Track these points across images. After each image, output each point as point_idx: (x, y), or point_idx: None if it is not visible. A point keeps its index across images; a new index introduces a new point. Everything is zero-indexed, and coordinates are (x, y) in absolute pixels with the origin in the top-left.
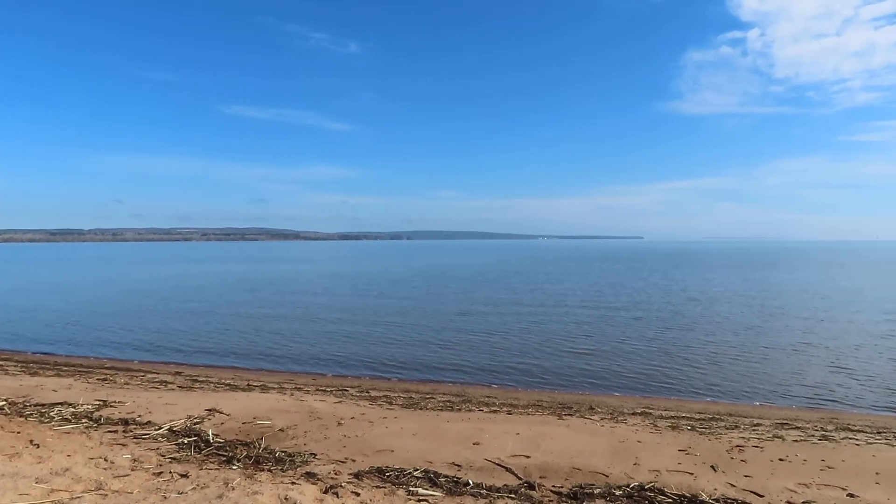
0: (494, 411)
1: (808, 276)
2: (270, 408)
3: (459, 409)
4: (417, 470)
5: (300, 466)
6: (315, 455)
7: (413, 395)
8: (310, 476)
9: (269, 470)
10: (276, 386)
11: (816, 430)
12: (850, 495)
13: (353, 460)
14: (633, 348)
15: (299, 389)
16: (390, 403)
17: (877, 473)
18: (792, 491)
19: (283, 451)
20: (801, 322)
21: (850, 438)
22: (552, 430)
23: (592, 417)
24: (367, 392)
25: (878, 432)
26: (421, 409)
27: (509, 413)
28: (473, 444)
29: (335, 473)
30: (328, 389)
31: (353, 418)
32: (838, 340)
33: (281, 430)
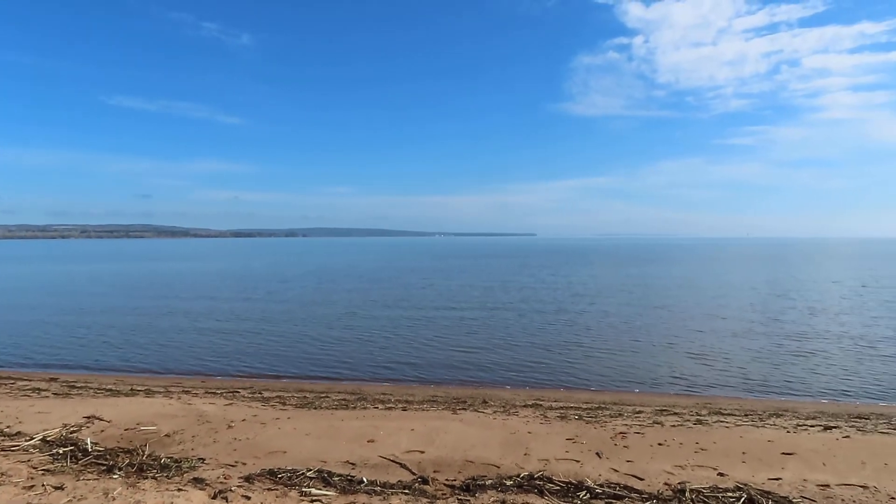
0: (390, 408)
1: (684, 272)
2: (155, 412)
3: (355, 408)
4: (311, 470)
5: (187, 472)
6: (203, 460)
7: (307, 395)
8: (197, 482)
9: (154, 477)
10: (162, 390)
11: (692, 415)
12: (721, 474)
13: (244, 463)
14: (525, 343)
15: (187, 393)
16: (283, 404)
17: (743, 453)
18: (669, 473)
19: (168, 458)
20: (676, 314)
21: (722, 422)
22: (446, 425)
23: (485, 411)
24: (260, 393)
25: (746, 415)
26: (315, 408)
27: (404, 409)
28: (368, 441)
29: (224, 478)
30: (218, 392)
31: (244, 420)
32: (709, 331)
33: (167, 435)
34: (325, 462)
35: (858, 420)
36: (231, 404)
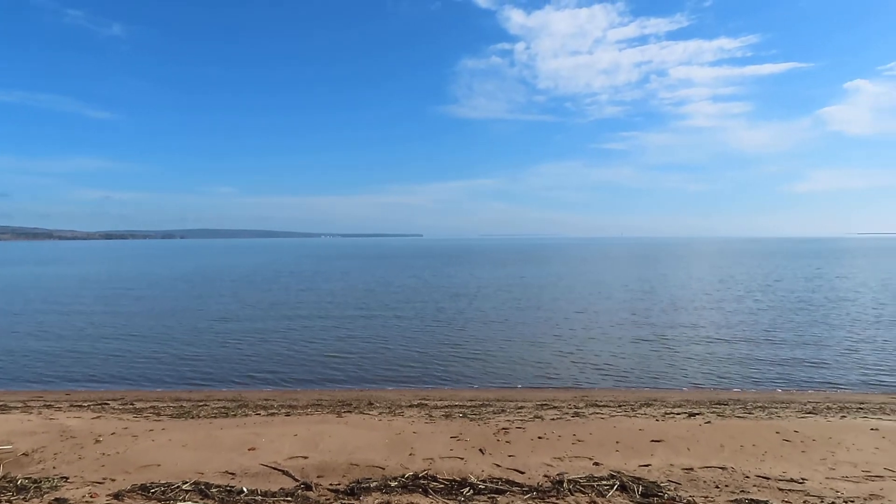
0: (272, 414)
1: (560, 270)
2: (11, 430)
3: (235, 415)
4: (187, 483)
5: (48, 493)
6: (67, 478)
7: (184, 404)
8: (60, 502)
9: (9, 501)
10: (19, 405)
11: (570, 409)
12: (596, 463)
13: (113, 479)
14: (410, 343)
15: (49, 407)
16: (158, 415)
17: (617, 442)
18: (548, 465)
19: (26, 478)
20: (553, 312)
21: (597, 413)
22: (331, 429)
23: (371, 413)
24: (132, 404)
25: (619, 406)
26: (193, 417)
27: (288, 415)
28: (249, 449)
29: (91, 496)
30: (85, 404)
31: (113, 434)
32: (585, 328)
33: (25, 454)
34: (202, 473)
35: (718, 406)
36: (99, 417)
